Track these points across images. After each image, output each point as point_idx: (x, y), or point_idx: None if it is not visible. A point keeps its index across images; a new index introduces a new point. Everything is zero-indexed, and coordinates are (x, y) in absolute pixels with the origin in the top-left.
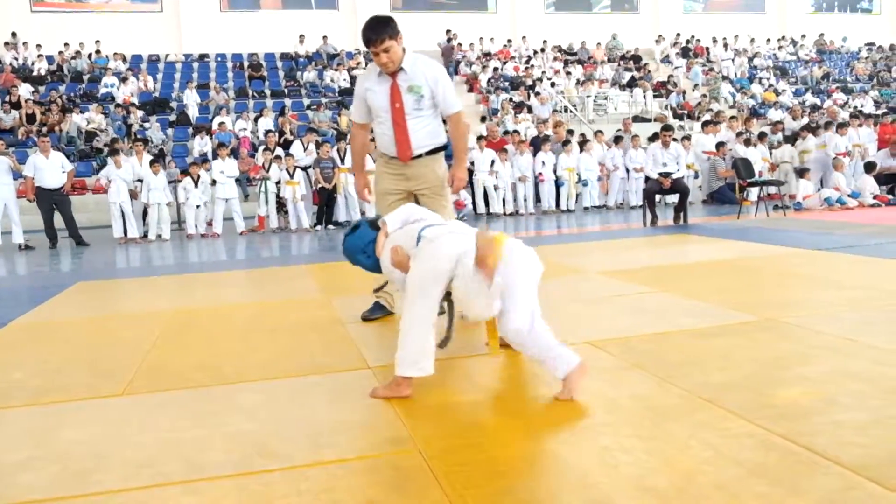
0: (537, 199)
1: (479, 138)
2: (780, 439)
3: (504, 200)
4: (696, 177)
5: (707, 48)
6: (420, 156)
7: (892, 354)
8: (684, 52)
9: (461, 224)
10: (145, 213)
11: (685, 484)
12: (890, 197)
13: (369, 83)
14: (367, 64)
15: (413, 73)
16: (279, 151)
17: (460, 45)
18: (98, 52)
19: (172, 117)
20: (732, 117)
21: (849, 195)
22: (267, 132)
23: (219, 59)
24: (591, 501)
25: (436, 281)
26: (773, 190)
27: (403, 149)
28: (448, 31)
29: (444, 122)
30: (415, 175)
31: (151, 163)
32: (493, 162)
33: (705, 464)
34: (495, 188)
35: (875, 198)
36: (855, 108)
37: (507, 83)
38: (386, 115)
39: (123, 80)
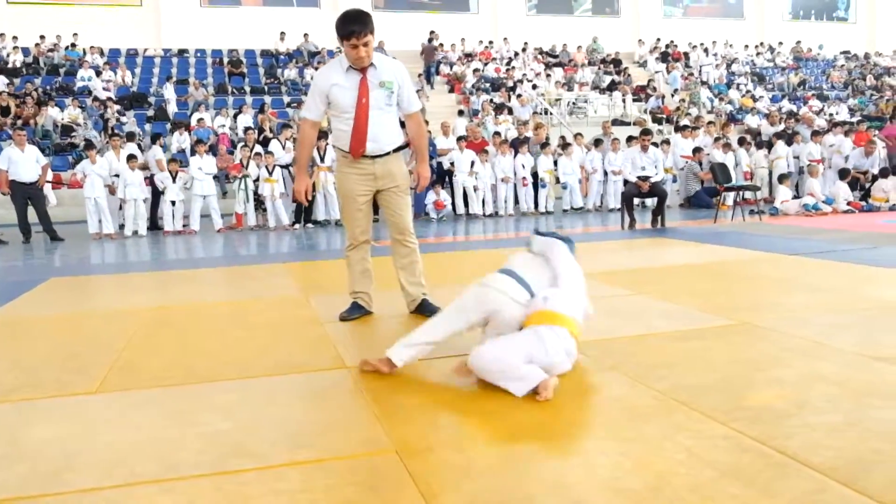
0: (515, 200)
1: (460, 139)
2: (753, 442)
3: (483, 201)
4: (675, 181)
5: (686, 53)
6: (388, 153)
7: (862, 358)
8: (663, 57)
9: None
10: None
11: (660, 485)
12: (863, 204)
13: (336, 78)
14: None
15: (382, 68)
16: (258, 149)
17: (441, 45)
18: (75, 45)
19: (150, 112)
20: (710, 122)
21: (823, 201)
22: (246, 129)
23: (198, 54)
24: (566, 502)
25: (471, 310)
26: (748, 195)
27: (359, 145)
28: (431, 32)
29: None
30: (383, 174)
31: (129, 158)
32: (472, 163)
33: (679, 466)
34: (475, 189)
35: (849, 204)
36: (830, 115)
37: (488, 84)
38: (350, 112)
39: (99, 73)
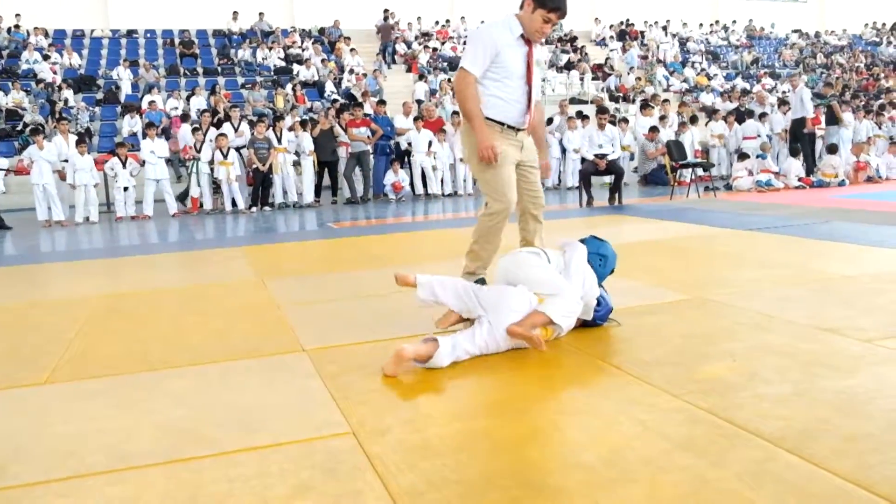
0: (475, 180)
1: (416, 119)
2: (705, 413)
3: (442, 181)
4: (632, 158)
5: (642, 31)
6: (525, 129)
7: (809, 329)
8: (620, 35)
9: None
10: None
11: (614, 459)
12: (813, 179)
13: (507, 39)
14: (303, 42)
15: (537, 48)
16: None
17: (398, 23)
18: (18, 26)
19: (100, 95)
20: (665, 100)
21: (777, 178)
22: (202, 112)
23: (148, 35)
24: (523, 477)
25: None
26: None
27: (522, 115)
28: (385, 11)
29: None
30: (527, 146)
31: (77, 143)
32: (430, 143)
33: (634, 439)
34: (433, 169)
35: (799, 180)
36: (783, 92)
37: (445, 63)
38: (518, 81)
39: (46, 57)
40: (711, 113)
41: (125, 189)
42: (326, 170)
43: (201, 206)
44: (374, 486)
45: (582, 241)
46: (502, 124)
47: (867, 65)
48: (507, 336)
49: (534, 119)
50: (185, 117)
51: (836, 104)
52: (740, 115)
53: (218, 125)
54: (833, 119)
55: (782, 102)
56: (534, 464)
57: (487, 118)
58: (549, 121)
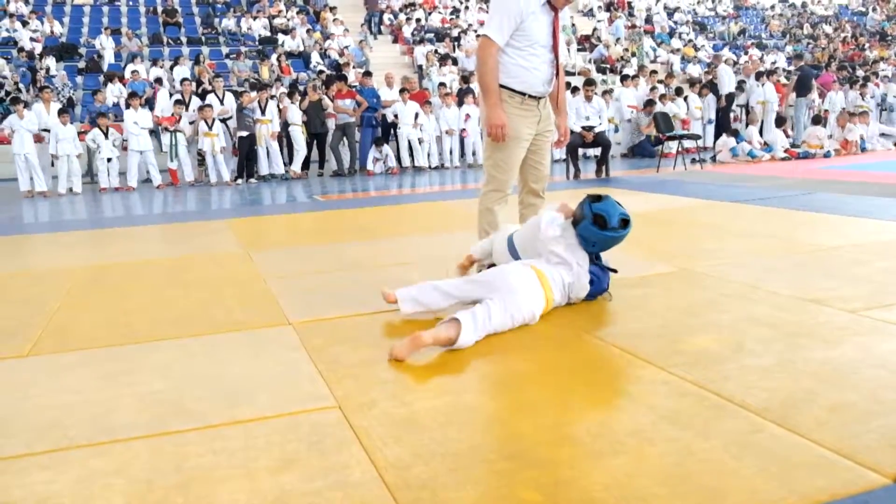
0: (462, 152)
1: (402, 91)
2: (691, 385)
3: (429, 154)
4: (617, 131)
5: (629, 2)
6: (546, 97)
7: (794, 300)
8: (607, 6)
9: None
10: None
11: (601, 431)
12: (798, 151)
13: (534, 6)
14: (288, 10)
15: (563, 13)
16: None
17: None
18: None
19: (81, 64)
20: (653, 72)
21: (763, 146)
22: (183, 80)
23: (131, 3)
24: (510, 450)
25: None
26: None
27: (547, 85)
28: None
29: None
30: (545, 116)
31: (60, 112)
32: (416, 115)
33: (620, 411)
34: (420, 141)
35: (785, 151)
36: (773, 62)
37: (431, 35)
38: (543, 50)
39: (25, 23)
40: (692, 85)
41: (108, 160)
42: (315, 142)
43: (181, 177)
44: (360, 459)
45: (576, 222)
46: (524, 94)
47: (853, 35)
48: (520, 314)
49: (556, 86)
50: (158, 81)
51: (807, 76)
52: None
53: (202, 96)
54: (803, 90)
55: (770, 73)
56: (521, 437)
57: (510, 88)
58: None
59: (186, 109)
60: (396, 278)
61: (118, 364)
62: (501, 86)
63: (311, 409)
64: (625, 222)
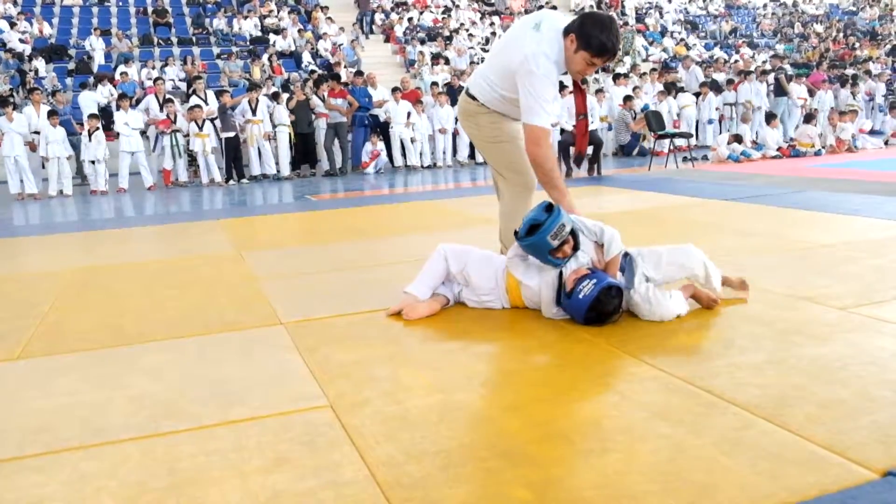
0: (454, 151)
1: (394, 90)
2: (682, 382)
3: (421, 153)
4: (610, 129)
5: (622, 1)
6: None
7: (786, 297)
8: (598, 5)
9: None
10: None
11: (592, 428)
12: (790, 149)
13: (556, 77)
14: (279, 10)
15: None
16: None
17: None
18: None
19: (71, 65)
20: (644, 73)
21: (752, 145)
22: (156, 80)
23: (120, 3)
24: (501, 448)
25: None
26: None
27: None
28: None
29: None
30: None
31: (49, 115)
32: (409, 114)
33: (611, 408)
34: (412, 140)
35: (777, 149)
36: (764, 61)
37: (423, 34)
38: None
39: (13, 24)
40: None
41: (92, 162)
42: (303, 142)
43: (176, 180)
44: (352, 458)
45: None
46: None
47: (844, 34)
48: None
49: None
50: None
51: (784, 77)
52: (715, 86)
53: (188, 97)
54: (780, 91)
55: (747, 73)
56: (512, 435)
57: (492, 110)
58: None
59: (162, 110)
60: (389, 278)
61: (110, 366)
62: (496, 111)
63: (304, 408)
64: (533, 227)
